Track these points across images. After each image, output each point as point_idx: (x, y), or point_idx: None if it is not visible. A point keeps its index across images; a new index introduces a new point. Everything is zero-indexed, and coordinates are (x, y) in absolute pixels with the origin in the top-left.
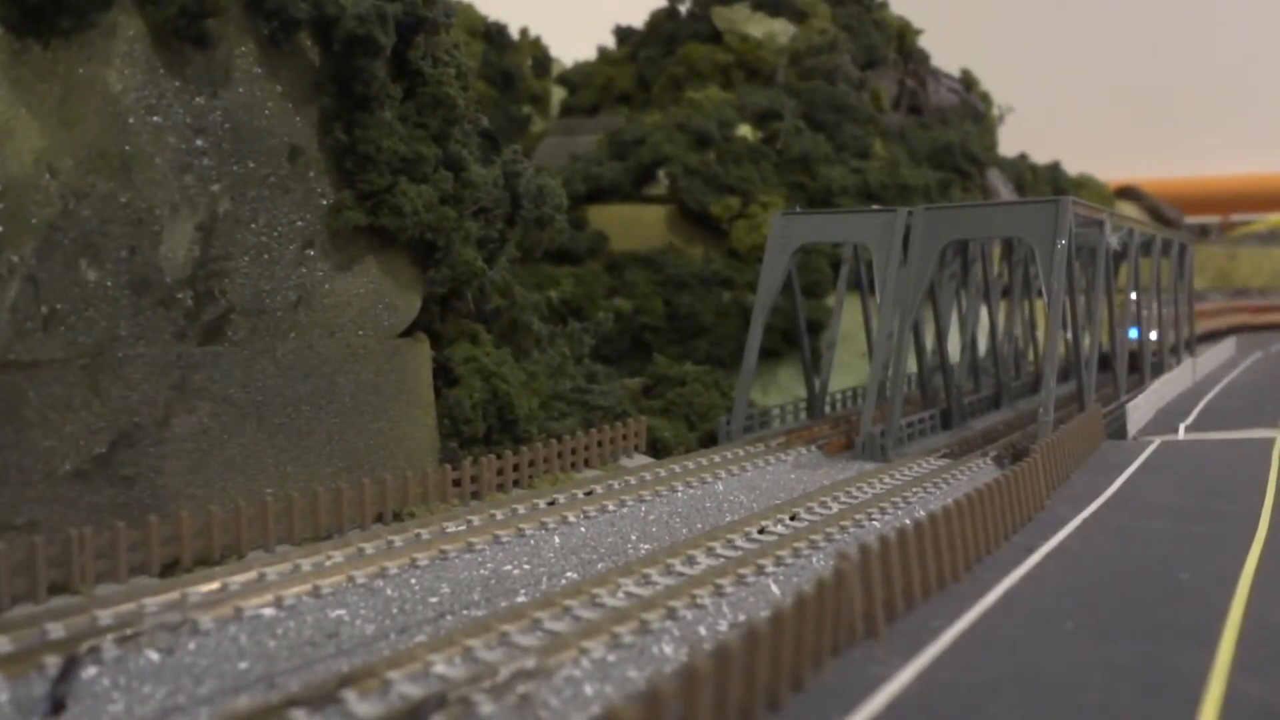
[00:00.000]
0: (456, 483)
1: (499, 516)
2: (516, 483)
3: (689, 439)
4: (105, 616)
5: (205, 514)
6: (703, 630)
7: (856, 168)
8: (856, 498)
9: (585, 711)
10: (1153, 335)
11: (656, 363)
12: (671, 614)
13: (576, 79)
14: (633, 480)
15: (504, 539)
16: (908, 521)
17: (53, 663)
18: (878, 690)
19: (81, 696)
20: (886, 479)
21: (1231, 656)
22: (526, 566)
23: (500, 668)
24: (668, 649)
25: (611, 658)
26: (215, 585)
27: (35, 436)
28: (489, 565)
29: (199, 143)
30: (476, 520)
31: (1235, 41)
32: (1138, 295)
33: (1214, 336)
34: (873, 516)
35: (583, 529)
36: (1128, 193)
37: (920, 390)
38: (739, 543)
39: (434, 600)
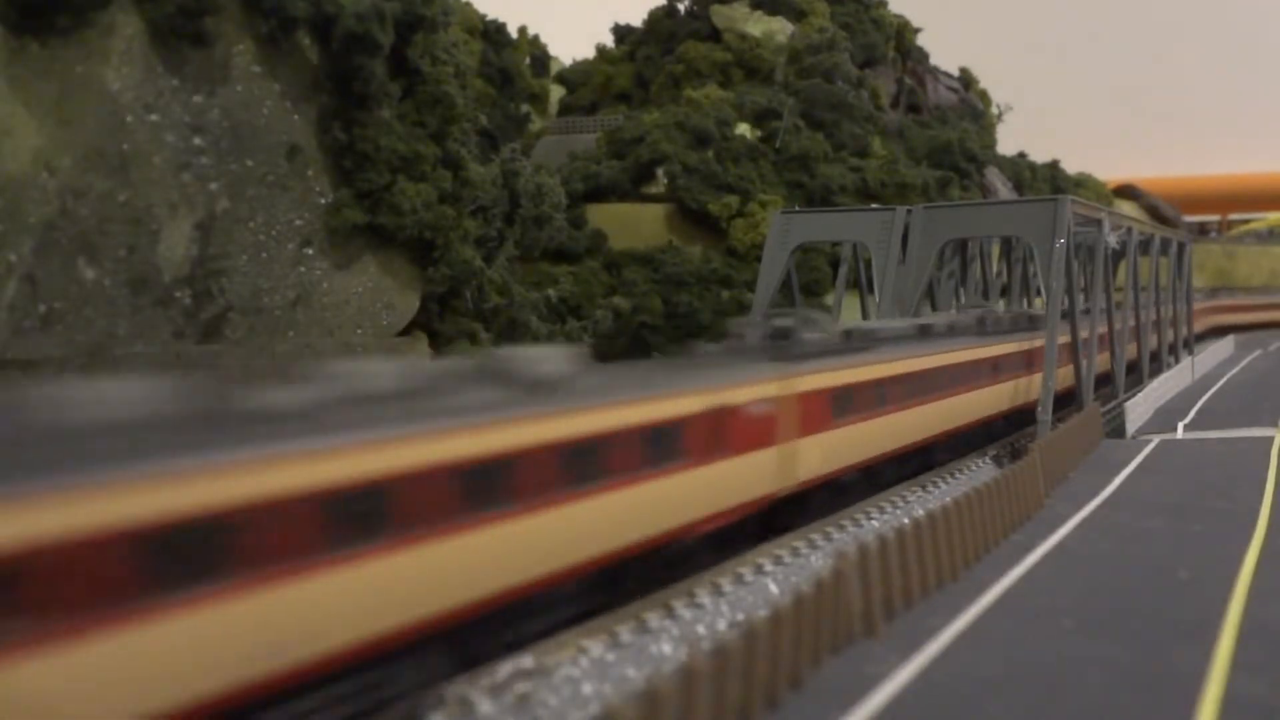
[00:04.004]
0: None
1: None
2: None
3: None
4: None
5: None
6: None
7: (855, 166)
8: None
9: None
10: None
11: None
12: (669, 612)
13: (575, 77)
14: None
15: None
16: (906, 520)
17: None
18: (876, 689)
19: None
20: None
21: (1230, 655)
22: None
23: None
24: (666, 648)
25: (611, 656)
26: None
27: None
28: None
29: (197, 141)
30: None
31: (1235, 41)
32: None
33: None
34: (871, 515)
35: None
36: (1126, 191)
37: None
38: None
39: None
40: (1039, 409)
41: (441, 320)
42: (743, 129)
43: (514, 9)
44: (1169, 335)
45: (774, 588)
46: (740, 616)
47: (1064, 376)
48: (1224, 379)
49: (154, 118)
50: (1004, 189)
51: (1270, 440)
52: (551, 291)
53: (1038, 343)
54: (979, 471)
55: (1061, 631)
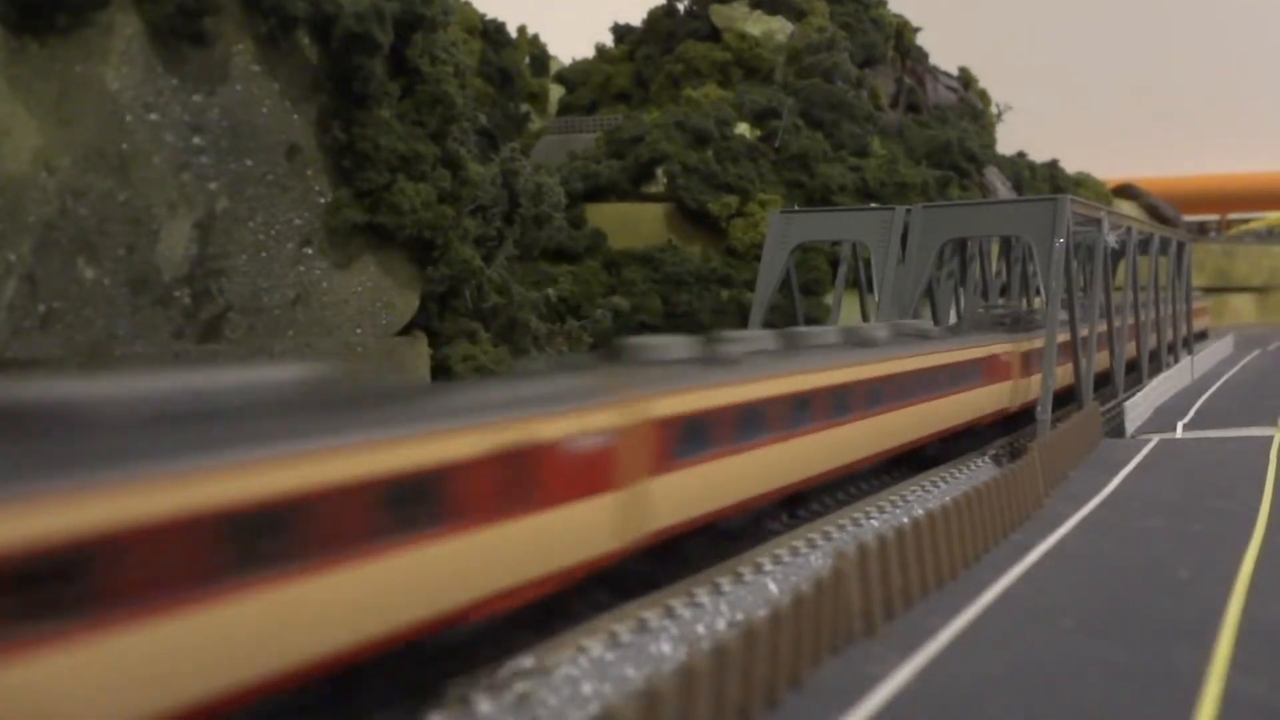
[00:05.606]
0: None
1: None
2: None
3: None
4: None
5: None
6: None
7: (855, 166)
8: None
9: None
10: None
11: None
12: (668, 611)
13: (574, 77)
14: None
15: None
16: (905, 520)
17: None
18: (876, 688)
19: None
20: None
21: (1229, 655)
22: None
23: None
24: (666, 648)
25: (610, 656)
26: None
27: None
28: None
29: (197, 141)
30: None
31: (1235, 41)
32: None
33: None
34: (871, 514)
35: None
36: (1126, 191)
37: None
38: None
39: None
40: (1038, 408)
41: (441, 319)
42: (742, 129)
43: (514, 9)
44: (1168, 334)
45: (774, 587)
46: (740, 616)
47: (1064, 375)
48: (1223, 378)
49: (154, 117)
50: (1003, 188)
51: (1270, 439)
52: (551, 291)
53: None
54: (979, 471)
55: (1061, 631)
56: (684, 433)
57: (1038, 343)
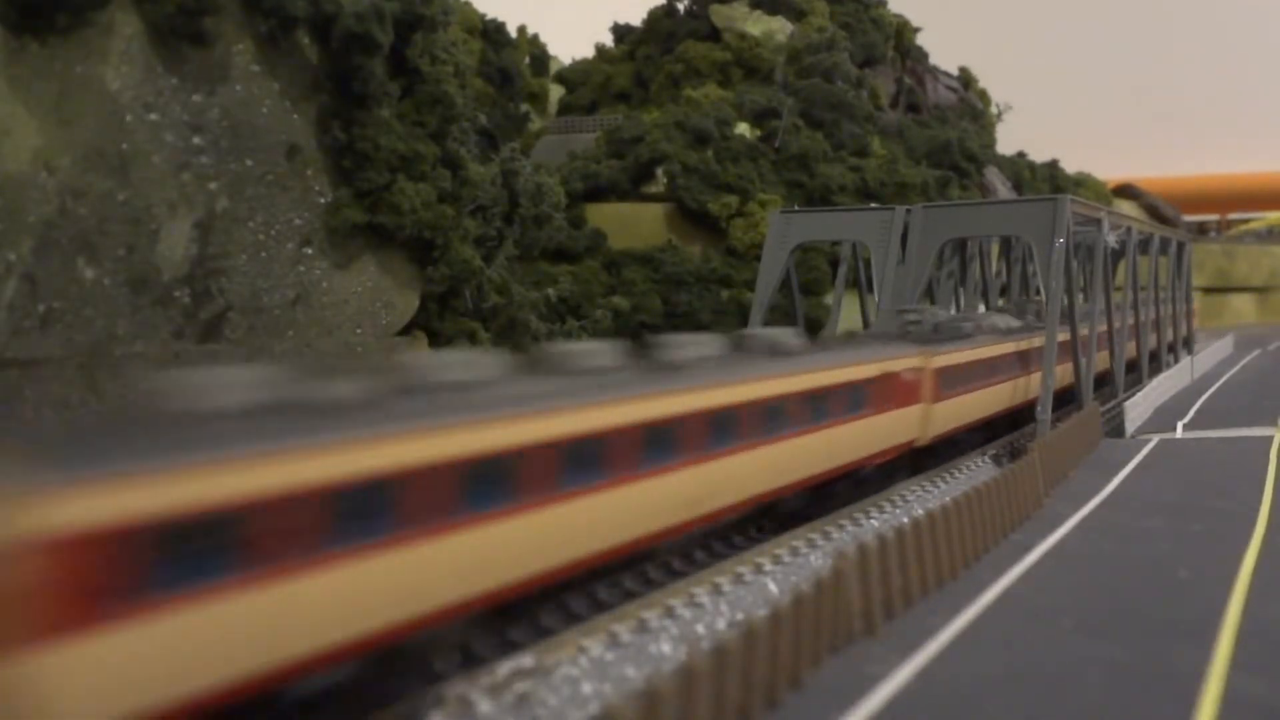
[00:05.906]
0: None
1: None
2: None
3: None
4: None
5: None
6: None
7: (855, 166)
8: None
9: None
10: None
11: None
12: (668, 611)
13: (574, 77)
14: None
15: None
16: (905, 520)
17: None
18: (876, 688)
19: None
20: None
21: (1229, 655)
22: None
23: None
24: (666, 648)
25: (610, 656)
26: None
27: None
28: None
29: (196, 140)
30: None
31: (1235, 41)
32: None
33: None
34: (871, 514)
35: None
36: (1126, 191)
37: None
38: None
39: None
40: (1038, 408)
41: (441, 320)
42: (742, 128)
43: (514, 9)
44: (1168, 334)
45: (774, 587)
46: (740, 616)
47: (1064, 375)
48: (1223, 378)
49: (154, 117)
50: (1003, 188)
51: (1270, 439)
52: (551, 291)
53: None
54: (979, 471)
55: (1061, 631)
56: (180, 545)
57: (965, 354)
